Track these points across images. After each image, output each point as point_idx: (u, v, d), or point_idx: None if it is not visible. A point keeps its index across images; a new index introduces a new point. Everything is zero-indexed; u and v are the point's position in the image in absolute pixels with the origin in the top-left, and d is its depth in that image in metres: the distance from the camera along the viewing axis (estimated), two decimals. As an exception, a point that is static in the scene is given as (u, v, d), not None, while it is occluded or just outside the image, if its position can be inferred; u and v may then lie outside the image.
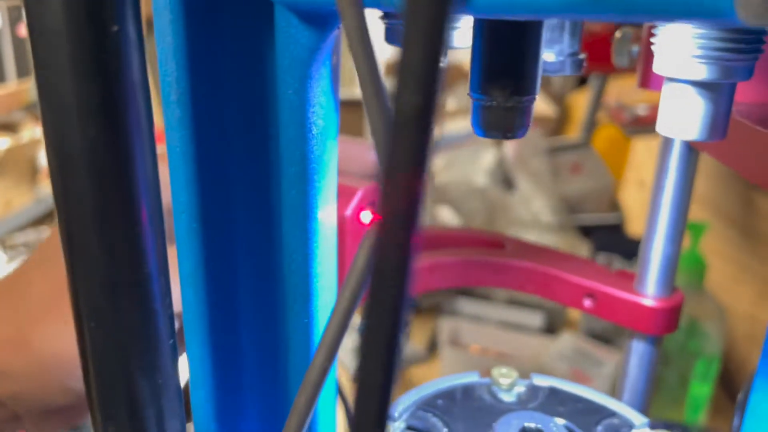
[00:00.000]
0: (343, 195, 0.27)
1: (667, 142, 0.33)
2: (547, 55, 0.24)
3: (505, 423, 0.26)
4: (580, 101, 1.61)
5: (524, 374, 0.31)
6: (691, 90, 0.22)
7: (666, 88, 0.23)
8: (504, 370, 0.32)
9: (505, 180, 1.34)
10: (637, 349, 0.36)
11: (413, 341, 0.99)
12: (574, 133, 1.56)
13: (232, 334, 0.23)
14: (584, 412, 0.29)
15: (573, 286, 0.37)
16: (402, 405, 0.29)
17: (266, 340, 0.23)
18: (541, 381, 0.31)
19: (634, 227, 1.30)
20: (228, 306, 0.22)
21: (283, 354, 0.23)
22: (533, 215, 1.22)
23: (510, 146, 1.31)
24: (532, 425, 0.26)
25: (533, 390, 0.31)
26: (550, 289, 0.37)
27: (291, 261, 0.20)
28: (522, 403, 0.30)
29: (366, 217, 0.28)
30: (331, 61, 0.20)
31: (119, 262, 0.15)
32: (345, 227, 0.27)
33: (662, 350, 0.89)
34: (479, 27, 0.18)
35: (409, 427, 0.29)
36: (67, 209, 0.14)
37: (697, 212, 0.97)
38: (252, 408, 0.26)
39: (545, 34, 0.24)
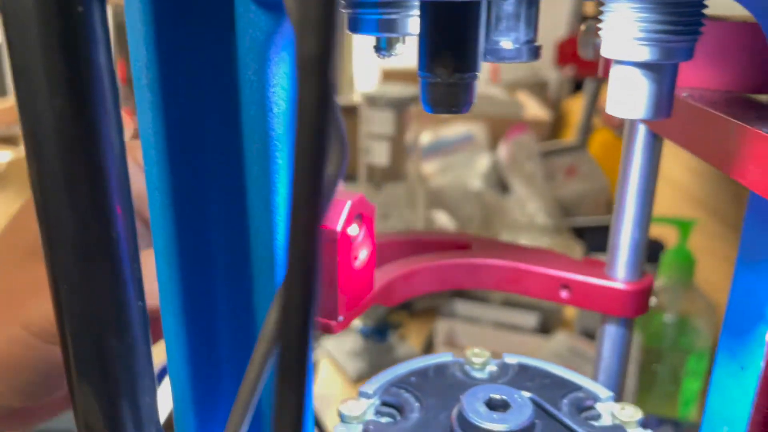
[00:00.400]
0: (331, 207, 0.27)
1: (632, 130, 0.34)
2: (505, 43, 0.26)
3: (471, 395, 0.27)
4: (576, 106, 1.62)
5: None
6: (635, 71, 0.23)
7: (613, 70, 0.24)
8: (477, 350, 0.33)
9: (500, 183, 1.36)
10: (611, 333, 0.38)
11: (410, 343, 1.00)
12: (570, 137, 1.58)
13: (207, 310, 0.24)
14: (551, 387, 0.30)
15: (548, 279, 0.37)
16: (377, 383, 0.31)
17: (241, 316, 0.25)
18: (512, 359, 0.32)
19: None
20: (203, 282, 0.23)
21: (256, 329, 0.24)
22: (528, 218, 1.23)
23: (504, 150, 1.33)
24: (497, 396, 0.27)
25: (504, 367, 0.32)
26: (526, 285, 0.38)
27: (257, 235, 0.21)
28: (492, 380, 0.31)
29: (354, 230, 0.28)
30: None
31: (88, 227, 0.16)
32: (336, 242, 0.27)
33: (654, 347, 0.90)
34: (423, 8, 0.19)
35: (383, 403, 0.30)
36: (39, 178, 0.15)
37: (687, 209, 0.98)
38: (229, 384, 0.27)
39: (502, 23, 0.25)
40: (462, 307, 1.08)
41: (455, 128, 1.51)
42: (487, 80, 1.91)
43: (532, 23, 0.26)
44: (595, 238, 1.19)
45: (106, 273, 0.17)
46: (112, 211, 0.16)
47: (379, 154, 0.99)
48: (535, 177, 1.27)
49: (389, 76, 1.62)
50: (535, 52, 0.26)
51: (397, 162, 1.07)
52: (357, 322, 1.06)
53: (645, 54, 0.22)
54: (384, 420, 0.29)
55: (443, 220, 1.27)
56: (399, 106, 0.97)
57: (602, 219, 1.32)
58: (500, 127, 1.46)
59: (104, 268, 0.17)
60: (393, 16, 0.22)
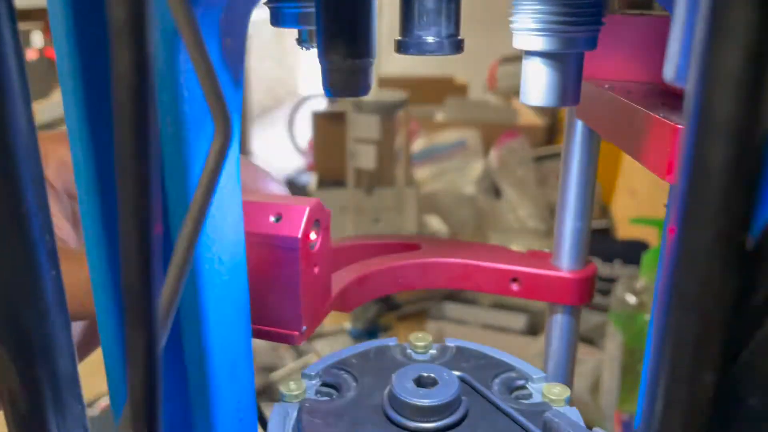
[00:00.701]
0: (289, 214, 0.27)
1: (571, 125, 0.36)
2: (427, 37, 0.27)
3: (402, 373, 0.29)
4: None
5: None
6: (541, 61, 0.25)
7: (524, 61, 0.25)
8: (420, 334, 0.34)
9: (493, 189, 1.37)
10: (558, 322, 0.39)
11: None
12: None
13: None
14: (485, 367, 0.31)
15: (498, 273, 0.38)
16: (320, 366, 0.32)
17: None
18: (452, 343, 0.34)
19: (624, 233, 1.31)
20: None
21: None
22: (520, 222, 1.24)
23: (495, 155, 1.34)
24: (426, 374, 0.29)
25: (443, 350, 0.33)
26: (476, 280, 0.39)
27: (174, 215, 0.22)
28: (431, 362, 0.32)
29: (313, 236, 0.28)
30: (218, 41, 0.23)
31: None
32: (297, 250, 0.27)
33: (637, 348, 0.90)
34: (318, -1, 0.21)
35: (323, 384, 0.31)
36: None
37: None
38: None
39: (423, 18, 0.27)
40: (451, 309, 1.09)
41: (449, 134, 1.53)
42: (483, 87, 1.92)
43: (453, 18, 0.27)
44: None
45: (17, 244, 0.18)
46: (23, 186, 0.18)
47: (365, 159, 1.01)
48: (526, 182, 1.29)
49: (385, 83, 1.64)
50: (456, 45, 0.27)
51: (386, 167, 1.08)
52: (347, 325, 1.08)
53: (547, 44, 0.24)
54: (321, 399, 0.30)
55: (436, 224, 1.28)
56: (385, 111, 0.99)
57: (597, 223, 1.32)
58: (494, 134, 1.48)
59: (16, 239, 0.18)
60: (311, 9, 0.24)
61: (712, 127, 0.13)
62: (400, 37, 0.27)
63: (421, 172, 1.43)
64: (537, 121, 1.65)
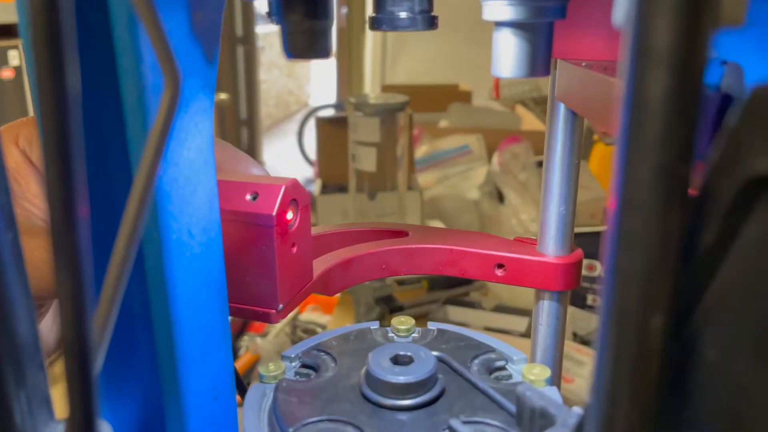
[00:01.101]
0: (265, 193, 0.27)
1: (552, 109, 0.35)
2: (400, 13, 0.27)
3: (379, 352, 0.28)
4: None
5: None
6: (511, 31, 0.24)
7: (494, 33, 0.25)
8: (403, 318, 0.34)
9: (497, 193, 1.36)
10: (544, 308, 0.38)
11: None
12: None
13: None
14: (465, 348, 0.31)
15: (483, 258, 0.38)
16: (300, 348, 0.32)
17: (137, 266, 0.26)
18: (434, 326, 0.33)
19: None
20: (104, 227, 0.25)
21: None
22: (523, 226, 1.24)
23: (497, 160, 1.34)
24: (403, 353, 0.28)
25: (425, 333, 0.33)
26: (461, 266, 0.39)
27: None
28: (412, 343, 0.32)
29: (290, 216, 0.28)
30: (187, 14, 0.23)
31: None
32: (272, 227, 0.27)
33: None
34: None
35: (302, 365, 0.31)
36: None
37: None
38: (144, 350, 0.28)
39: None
40: (453, 312, 1.08)
41: (452, 140, 1.53)
42: (487, 95, 1.92)
43: (426, -6, 0.27)
44: (589, 245, 1.19)
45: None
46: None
47: (366, 161, 1.01)
48: (529, 186, 1.28)
49: (389, 91, 1.64)
50: (430, 21, 0.27)
51: (388, 171, 1.08)
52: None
53: (516, 13, 0.24)
54: (299, 379, 0.30)
55: (439, 229, 1.27)
56: (386, 114, 0.99)
57: (597, 227, 1.31)
58: (497, 139, 1.48)
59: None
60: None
61: (651, 57, 0.12)
62: (373, 14, 0.27)
63: (425, 177, 1.42)
64: (540, 126, 1.65)
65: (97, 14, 0.21)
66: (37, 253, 0.25)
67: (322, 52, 0.21)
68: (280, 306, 0.29)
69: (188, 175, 0.24)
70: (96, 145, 0.24)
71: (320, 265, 0.34)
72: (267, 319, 0.29)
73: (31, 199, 0.27)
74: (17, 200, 0.26)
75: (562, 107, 0.35)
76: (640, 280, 0.14)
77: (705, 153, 0.15)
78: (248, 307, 0.29)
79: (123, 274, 0.18)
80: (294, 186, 0.28)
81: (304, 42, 0.20)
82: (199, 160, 0.25)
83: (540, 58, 0.25)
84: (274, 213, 0.27)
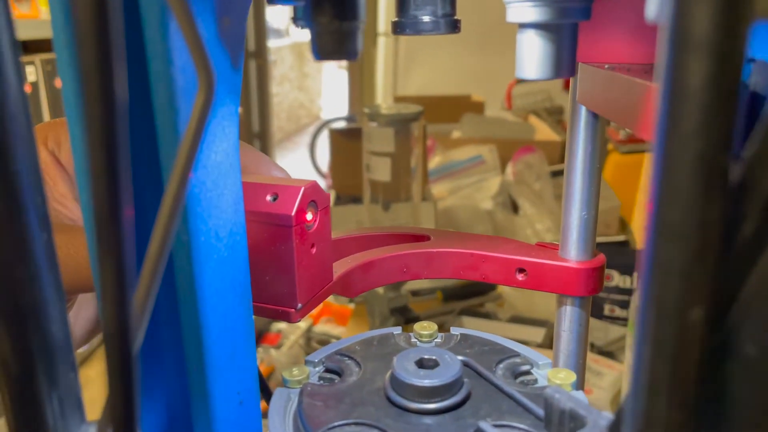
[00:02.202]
0: (285, 194, 0.28)
1: (574, 113, 0.35)
2: (423, 17, 0.27)
3: (403, 356, 0.28)
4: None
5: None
6: (536, 33, 0.25)
7: (518, 35, 0.25)
8: (425, 323, 0.34)
9: (511, 203, 1.36)
10: (566, 313, 0.38)
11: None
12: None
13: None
14: (489, 353, 0.31)
15: (504, 263, 0.38)
16: (323, 353, 0.32)
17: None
18: (457, 331, 0.33)
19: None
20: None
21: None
22: (538, 236, 1.23)
23: (511, 170, 1.34)
24: (428, 357, 0.28)
25: (448, 338, 0.33)
26: (482, 271, 0.39)
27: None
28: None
29: (309, 216, 0.29)
30: (214, 19, 0.23)
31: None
32: (291, 227, 0.28)
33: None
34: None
35: (326, 370, 0.31)
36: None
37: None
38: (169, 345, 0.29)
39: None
40: (469, 323, 1.08)
41: (466, 150, 1.53)
42: (499, 105, 1.93)
43: (449, -2, 0.27)
44: (605, 255, 1.18)
45: (5, 205, 0.18)
46: (12, 142, 0.18)
47: (381, 172, 1.01)
48: (544, 196, 1.28)
49: (400, 101, 1.65)
50: (453, 25, 0.27)
51: (402, 182, 1.08)
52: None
53: (540, 15, 0.24)
54: (323, 383, 0.30)
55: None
56: (400, 124, 0.99)
57: (616, 238, 1.31)
58: (511, 150, 1.48)
59: (3, 200, 0.18)
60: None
61: (690, 46, 0.12)
62: (395, 18, 0.27)
63: (438, 188, 1.42)
64: (554, 136, 1.64)
65: (128, 17, 0.21)
66: (66, 248, 0.26)
67: (351, 54, 0.21)
68: (299, 305, 0.29)
69: (215, 178, 0.25)
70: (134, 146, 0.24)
71: (341, 267, 0.35)
72: (287, 317, 0.29)
73: (60, 199, 0.27)
74: (47, 200, 0.27)
75: (583, 111, 0.35)
76: (680, 270, 0.13)
77: (738, 150, 0.15)
78: (268, 306, 0.29)
79: (157, 274, 0.18)
80: (313, 187, 0.29)
81: (332, 43, 0.20)
82: (226, 163, 0.25)
83: (565, 59, 0.25)
84: (293, 213, 0.28)
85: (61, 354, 0.21)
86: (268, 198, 0.28)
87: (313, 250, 0.29)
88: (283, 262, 0.28)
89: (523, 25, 0.25)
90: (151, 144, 0.23)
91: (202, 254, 0.24)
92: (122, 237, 0.13)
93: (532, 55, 0.25)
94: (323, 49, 0.21)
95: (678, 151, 0.13)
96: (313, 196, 0.29)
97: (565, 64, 0.25)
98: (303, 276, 0.28)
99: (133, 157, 0.25)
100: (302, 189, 0.28)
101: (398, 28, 0.27)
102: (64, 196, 0.28)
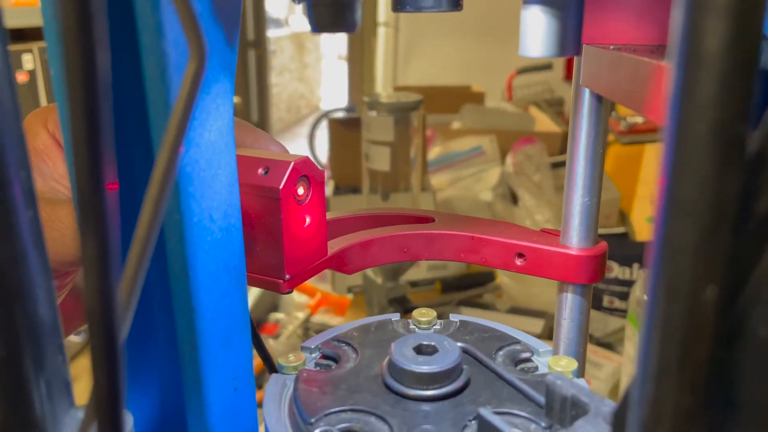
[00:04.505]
0: (276, 168, 0.28)
1: (577, 97, 0.35)
2: (424, -6, 0.26)
3: (402, 342, 0.28)
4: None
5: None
6: (540, 9, 0.24)
7: (522, 11, 0.25)
8: (424, 310, 0.33)
9: (510, 194, 1.35)
10: (567, 300, 0.38)
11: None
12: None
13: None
14: (489, 340, 0.30)
15: (503, 246, 0.38)
16: (320, 339, 0.31)
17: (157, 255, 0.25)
18: (456, 318, 0.33)
19: (642, 237, 1.29)
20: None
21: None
22: (537, 227, 1.23)
23: (511, 161, 1.33)
24: (426, 342, 0.28)
25: (447, 325, 0.32)
26: (482, 254, 0.38)
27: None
28: (433, 336, 0.31)
29: (300, 191, 0.29)
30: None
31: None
32: (279, 200, 0.28)
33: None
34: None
35: (322, 356, 0.30)
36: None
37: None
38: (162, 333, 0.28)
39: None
40: (467, 314, 1.07)
41: (465, 141, 1.52)
42: (500, 96, 1.92)
43: (451, -26, 0.26)
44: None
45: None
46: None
47: (380, 161, 1.00)
48: (543, 187, 1.27)
49: (401, 91, 1.64)
50: (455, 2, 0.27)
51: (402, 172, 1.08)
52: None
53: (546, -10, 0.23)
54: (320, 369, 0.29)
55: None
56: (400, 113, 0.98)
57: (615, 229, 1.30)
58: (511, 141, 1.47)
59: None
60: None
61: (707, 7, 0.12)
62: (397, -5, 0.27)
63: (438, 179, 1.42)
64: (554, 128, 1.63)
65: (121, 13, 0.21)
66: (65, 220, 0.25)
67: (349, 26, 0.20)
68: (287, 276, 0.29)
69: (209, 157, 0.24)
70: (116, 124, 0.24)
71: (340, 243, 0.35)
72: (276, 288, 0.29)
73: (59, 179, 0.28)
74: (46, 179, 0.27)
75: (587, 95, 0.34)
76: (692, 247, 0.13)
77: (754, 125, 0.14)
78: (259, 276, 0.30)
79: (146, 251, 0.17)
80: (305, 163, 0.29)
81: (329, 15, 0.20)
82: (220, 142, 0.25)
83: (570, 36, 0.24)
84: (281, 186, 0.28)
85: (49, 337, 0.20)
86: (260, 171, 0.28)
87: (305, 224, 0.29)
88: (272, 234, 0.29)
89: (528, 1, 0.24)
90: (143, 120, 0.22)
91: (195, 235, 0.23)
92: (104, 213, 0.13)
93: (537, 32, 0.24)
94: (320, 21, 0.20)
95: (693, 118, 0.12)
96: (305, 171, 0.29)
97: (570, 41, 0.24)
98: (292, 248, 0.29)
99: (123, 135, 0.25)
100: (292, 163, 0.28)
101: (398, 5, 0.27)
102: (63, 177, 0.28)
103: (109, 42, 0.15)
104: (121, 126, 0.24)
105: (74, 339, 1.20)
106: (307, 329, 1.36)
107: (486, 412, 0.23)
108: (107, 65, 0.15)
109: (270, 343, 1.20)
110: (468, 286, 1.15)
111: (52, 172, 0.28)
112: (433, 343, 0.28)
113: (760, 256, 0.14)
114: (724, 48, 0.12)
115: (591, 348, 0.96)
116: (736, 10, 0.12)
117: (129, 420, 0.21)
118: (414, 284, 1.15)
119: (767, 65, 0.22)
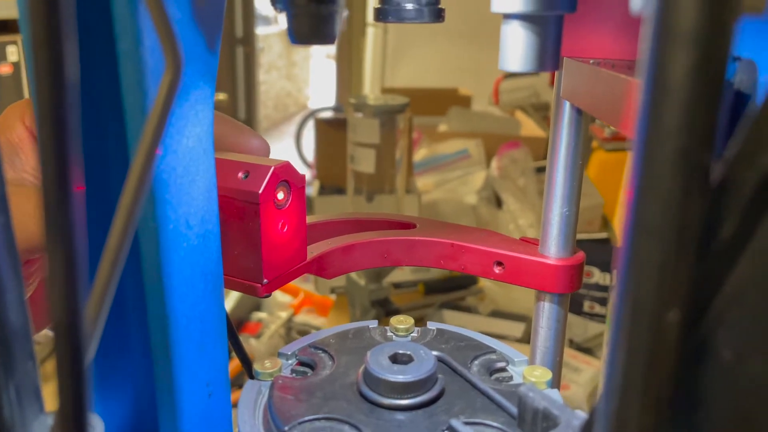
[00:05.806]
0: (256, 172, 0.28)
1: (558, 108, 0.35)
2: (406, 4, 0.27)
3: (377, 350, 0.28)
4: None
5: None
6: (521, 24, 0.24)
7: (503, 25, 0.25)
8: (402, 317, 0.33)
9: (495, 198, 1.36)
10: (544, 309, 0.38)
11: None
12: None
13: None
14: (465, 349, 0.31)
15: (481, 254, 0.38)
16: (297, 346, 0.31)
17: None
18: (433, 326, 0.33)
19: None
20: (101, 218, 0.24)
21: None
22: (521, 231, 1.23)
23: (496, 165, 1.33)
24: (402, 351, 0.28)
25: (424, 333, 0.32)
26: (461, 261, 0.38)
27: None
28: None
29: (279, 195, 0.29)
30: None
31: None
32: (258, 204, 0.28)
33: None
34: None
35: (299, 363, 0.30)
36: None
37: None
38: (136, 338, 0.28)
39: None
40: (450, 316, 1.08)
41: (451, 144, 1.52)
42: (486, 100, 1.92)
43: (433, -14, 0.27)
44: (587, 252, 1.18)
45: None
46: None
47: (365, 163, 1.00)
48: (528, 192, 1.28)
49: (388, 93, 1.64)
50: (437, 14, 0.27)
51: (387, 174, 1.08)
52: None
53: (526, 5, 0.23)
54: (295, 376, 0.29)
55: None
56: (385, 115, 0.98)
57: (598, 235, 1.31)
58: (496, 144, 1.47)
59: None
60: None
61: (674, 37, 0.12)
62: (378, 5, 0.27)
63: (423, 181, 1.42)
64: (539, 132, 1.64)
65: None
66: (29, 204, 0.25)
67: (328, 38, 0.20)
68: (265, 280, 0.29)
69: (187, 164, 0.24)
70: (93, 130, 0.24)
71: (320, 247, 0.34)
72: (253, 292, 0.29)
73: (32, 172, 0.28)
74: (17, 171, 0.27)
75: (567, 107, 0.34)
76: (657, 270, 0.13)
77: (720, 149, 0.14)
78: (237, 279, 0.30)
79: (119, 259, 0.17)
80: (285, 168, 0.29)
81: (309, 26, 0.20)
82: (198, 149, 0.25)
83: (549, 52, 0.24)
84: (260, 191, 0.28)
85: (19, 342, 0.20)
86: (240, 175, 0.28)
87: (284, 229, 0.29)
88: (250, 238, 0.29)
89: (508, 16, 0.24)
90: (120, 127, 0.22)
91: (170, 242, 0.23)
92: (72, 222, 0.13)
93: (516, 47, 0.24)
94: (299, 32, 0.20)
95: (658, 145, 0.12)
96: (285, 176, 0.29)
97: (549, 57, 0.24)
98: (270, 253, 0.29)
99: (101, 141, 0.25)
100: (272, 168, 0.28)
101: (380, 15, 0.27)
102: (35, 169, 0.28)
103: (78, 49, 0.15)
104: (98, 132, 0.24)
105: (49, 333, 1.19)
106: (290, 329, 1.36)
107: (457, 424, 0.23)
108: (76, 74, 0.15)
109: (251, 343, 1.20)
110: (451, 289, 1.15)
111: (24, 164, 0.28)
112: (408, 352, 0.28)
113: (724, 281, 0.15)
114: (689, 77, 0.12)
115: (571, 353, 0.97)
116: (702, 40, 0.12)
117: (100, 426, 0.21)
118: (397, 286, 1.15)
119: (741, 85, 0.23)
